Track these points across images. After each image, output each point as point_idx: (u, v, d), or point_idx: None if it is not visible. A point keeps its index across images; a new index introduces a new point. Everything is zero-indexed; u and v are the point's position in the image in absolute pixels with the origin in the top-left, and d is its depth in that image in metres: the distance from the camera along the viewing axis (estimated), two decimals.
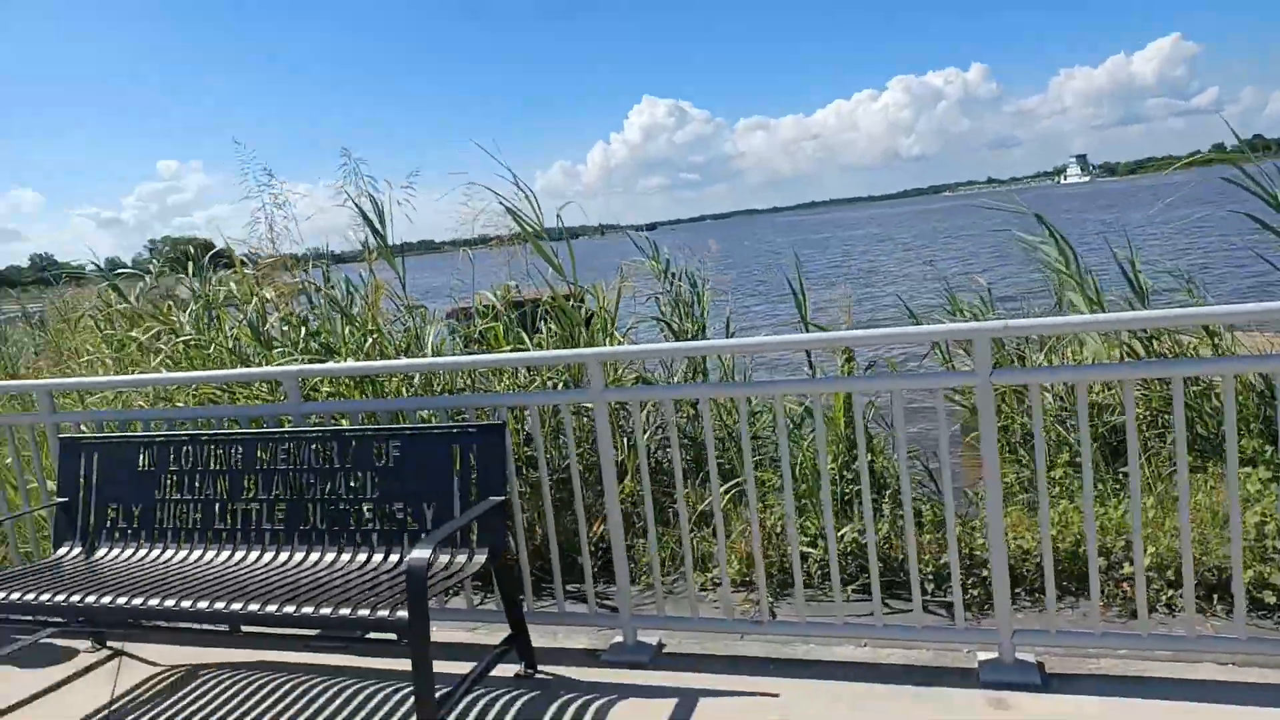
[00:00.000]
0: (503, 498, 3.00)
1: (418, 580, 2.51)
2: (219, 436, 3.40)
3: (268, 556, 3.24)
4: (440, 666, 2.58)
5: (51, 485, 3.96)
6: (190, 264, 5.75)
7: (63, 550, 3.49)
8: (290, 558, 3.20)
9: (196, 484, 3.40)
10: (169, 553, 3.36)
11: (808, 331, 4.41)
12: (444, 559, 2.99)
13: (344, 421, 3.57)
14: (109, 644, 3.66)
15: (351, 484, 3.21)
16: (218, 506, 3.36)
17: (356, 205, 4.85)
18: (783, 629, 3.14)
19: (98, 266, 6.58)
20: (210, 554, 3.31)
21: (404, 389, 4.23)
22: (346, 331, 4.57)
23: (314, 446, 3.27)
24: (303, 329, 4.57)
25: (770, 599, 3.57)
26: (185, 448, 3.43)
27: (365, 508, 3.18)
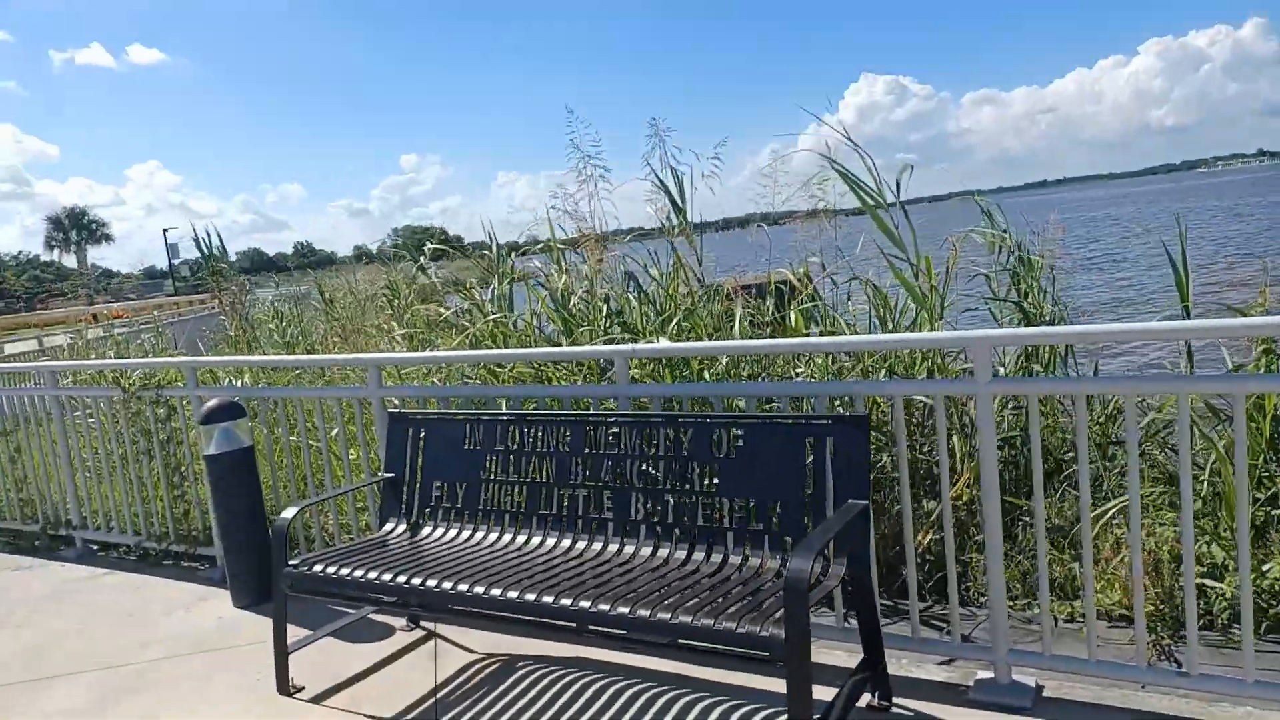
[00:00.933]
0: (865, 502, 2.60)
1: (798, 594, 2.16)
2: (546, 417, 3.25)
3: (596, 547, 3.04)
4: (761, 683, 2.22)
5: (372, 458, 4.06)
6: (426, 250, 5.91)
7: (389, 526, 3.50)
8: (621, 550, 2.98)
9: (522, 465, 3.28)
10: (493, 535, 3.26)
11: (1189, 318, 3.66)
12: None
13: (674, 406, 3.31)
14: (423, 624, 3.64)
15: (688, 475, 2.94)
16: (544, 491, 3.22)
17: (658, 179, 4.65)
18: (1212, 684, 2.52)
19: (368, 252, 6.87)
20: (536, 540, 3.17)
21: (705, 374, 3.95)
22: (642, 311, 4.37)
23: (647, 431, 3.03)
24: (604, 307, 4.43)
25: (1168, 641, 2.94)
26: (512, 428, 3.32)
27: (702, 501, 2.90)
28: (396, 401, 3.96)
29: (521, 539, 3.20)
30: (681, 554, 2.88)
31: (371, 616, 3.69)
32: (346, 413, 4.20)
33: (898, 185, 3.76)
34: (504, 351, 3.55)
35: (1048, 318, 3.91)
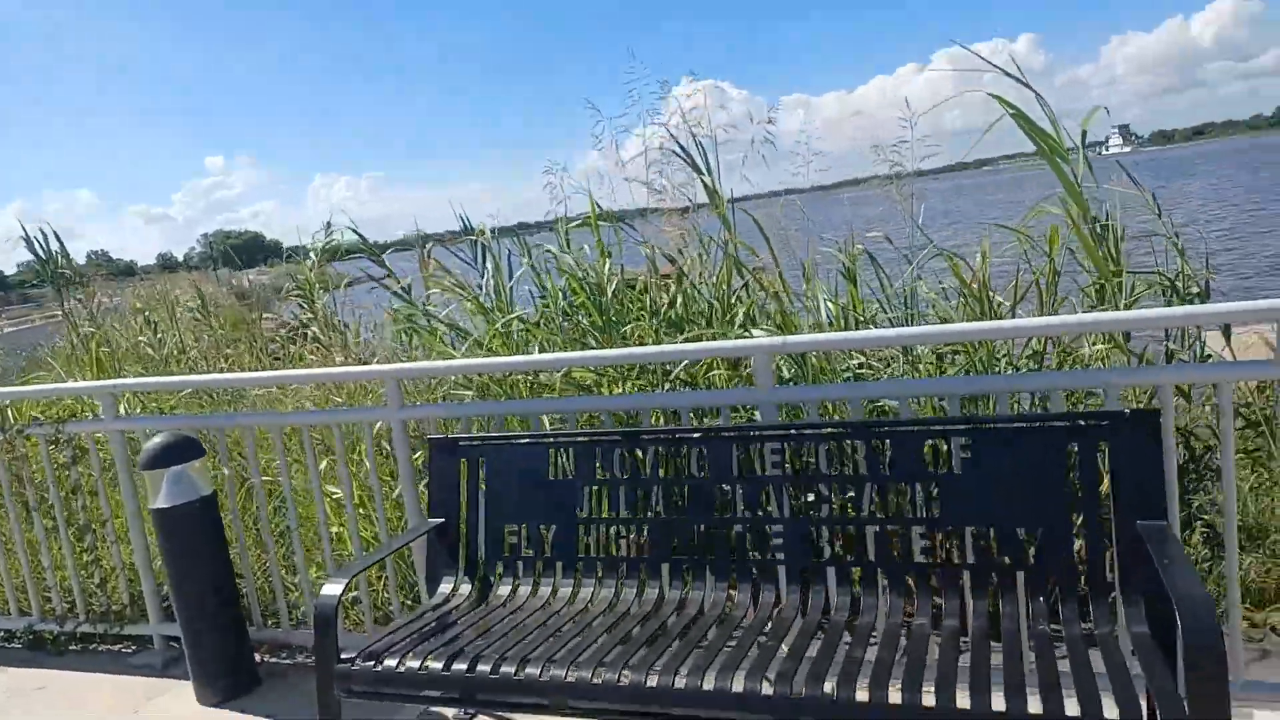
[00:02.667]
0: (1163, 523, 2.02)
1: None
2: (675, 435, 2.50)
3: (767, 597, 2.32)
4: None
5: (392, 502, 3.14)
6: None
7: (444, 588, 2.63)
8: (809, 606, 2.28)
9: (636, 499, 2.51)
10: (606, 591, 2.48)
11: None
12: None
13: (835, 413, 2.63)
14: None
15: (892, 500, 2.27)
16: (676, 529, 2.47)
17: (678, 146, 3.94)
18: None
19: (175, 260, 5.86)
20: (674, 594, 2.41)
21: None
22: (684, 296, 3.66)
23: (825, 447, 2.33)
24: (645, 299, 3.67)
25: None
26: (618, 450, 2.54)
27: (917, 533, 2.24)
28: (414, 425, 3.07)
29: (651, 593, 2.44)
30: (897, 602, 2.21)
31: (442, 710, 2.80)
32: (348, 441, 3.26)
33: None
34: (609, 352, 2.75)
35: None
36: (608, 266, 3.72)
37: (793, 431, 2.37)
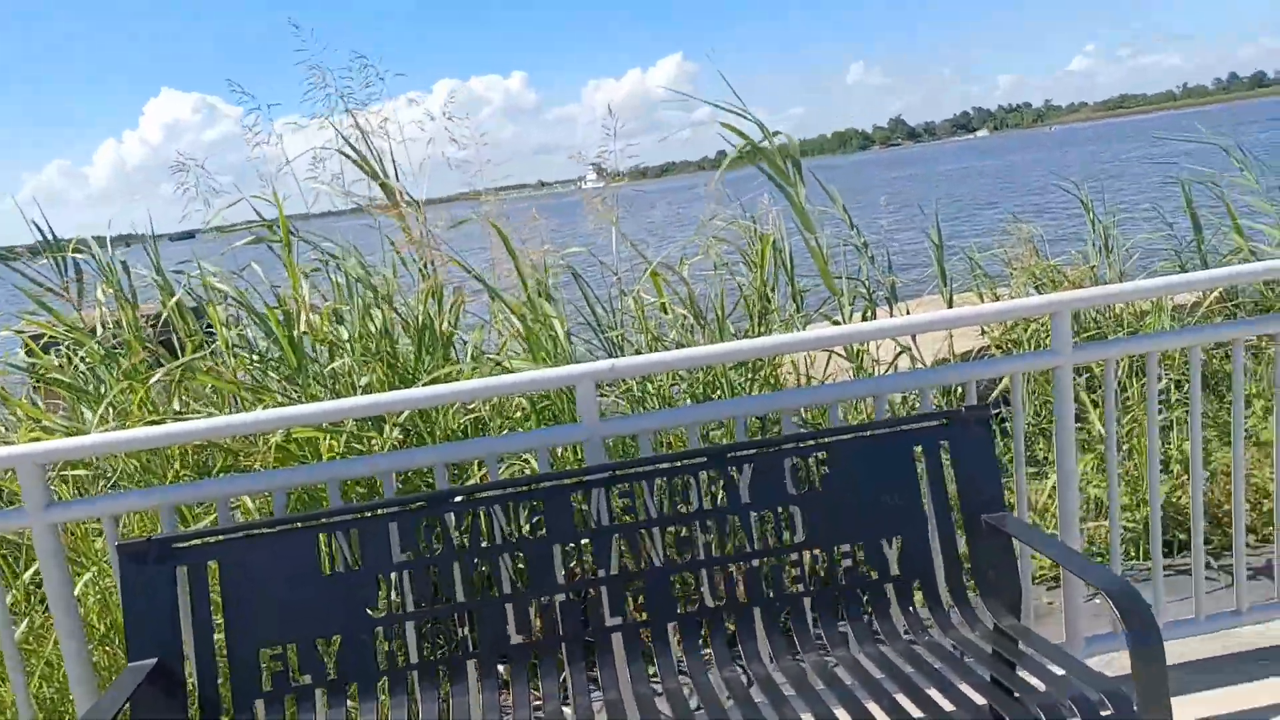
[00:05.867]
0: (1004, 511, 2.12)
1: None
2: (500, 491, 2.00)
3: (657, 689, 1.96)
4: None
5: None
6: None
7: None
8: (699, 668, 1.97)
9: (453, 577, 1.98)
10: (427, 708, 1.90)
11: None
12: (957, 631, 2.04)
13: (663, 447, 2.31)
14: None
15: (754, 530, 2.07)
16: (511, 611, 1.98)
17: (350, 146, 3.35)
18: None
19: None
20: (515, 694, 1.92)
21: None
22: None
23: (679, 481, 2.05)
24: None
25: None
26: (422, 520, 1.98)
27: (783, 560, 2.07)
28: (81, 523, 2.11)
29: (490, 696, 1.93)
30: (779, 641, 2.01)
31: None
32: None
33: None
34: (376, 398, 2.02)
35: None
36: (306, 290, 2.97)
37: (643, 469, 2.05)
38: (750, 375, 3.53)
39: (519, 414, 2.89)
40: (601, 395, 3.62)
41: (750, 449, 2.10)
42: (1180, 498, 3.13)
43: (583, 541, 2.03)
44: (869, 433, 2.15)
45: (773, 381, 3.57)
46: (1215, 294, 4.17)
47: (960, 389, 3.53)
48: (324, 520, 1.95)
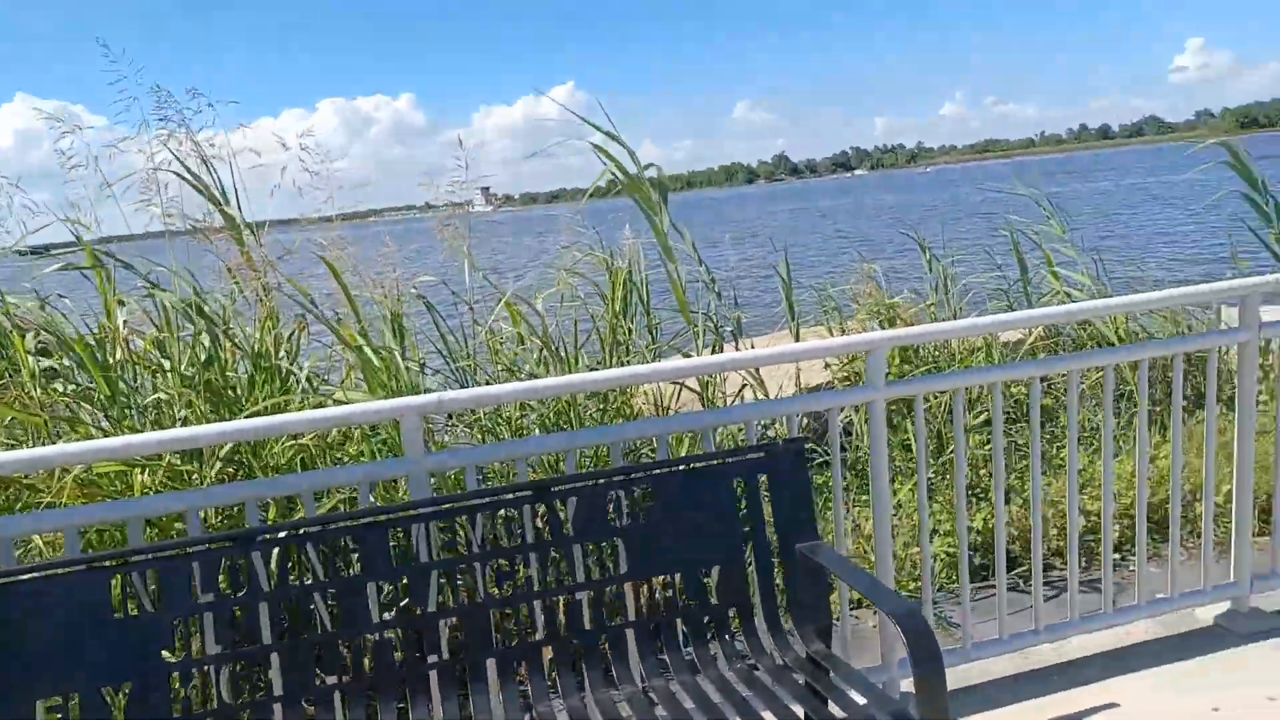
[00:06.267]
0: (818, 540, 2.21)
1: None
2: (303, 534, 1.94)
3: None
4: None
5: None
6: None
7: None
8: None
9: (260, 620, 1.90)
10: None
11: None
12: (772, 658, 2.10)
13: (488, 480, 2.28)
14: None
15: (581, 565, 2.08)
16: (321, 655, 1.92)
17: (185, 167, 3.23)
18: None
19: None
20: None
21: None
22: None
23: (500, 516, 2.05)
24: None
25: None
26: (223, 559, 1.90)
27: (605, 593, 2.09)
28: None
29: None
30: (596, 676, 2.02)
31: None
32: None
33: None
34: (187, 432, 1.91)
35: None
36: (122, 316, 2.81)
37: (468, 503, 2.03)
38: (602, 406, 3.56)
39: (352, 448, 2.82)
40: (452, 426, 3.58)
41: (576, 482, 2.12)
42: (1012, 522, 3.34)
43: (402, 580, 2.00)
44: (691, 466, 2.21)
45: (625, 412, 3.61)
46: (1039, 331, 4.48)
47: (806, 419, 3.67)
48: (117, 561, 1.85)
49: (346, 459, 2.81)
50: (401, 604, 2.03)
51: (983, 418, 3.71)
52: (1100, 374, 3.57)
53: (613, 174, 3.57)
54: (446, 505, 2.02)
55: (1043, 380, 3.82)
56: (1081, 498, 3.35)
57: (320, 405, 3.15)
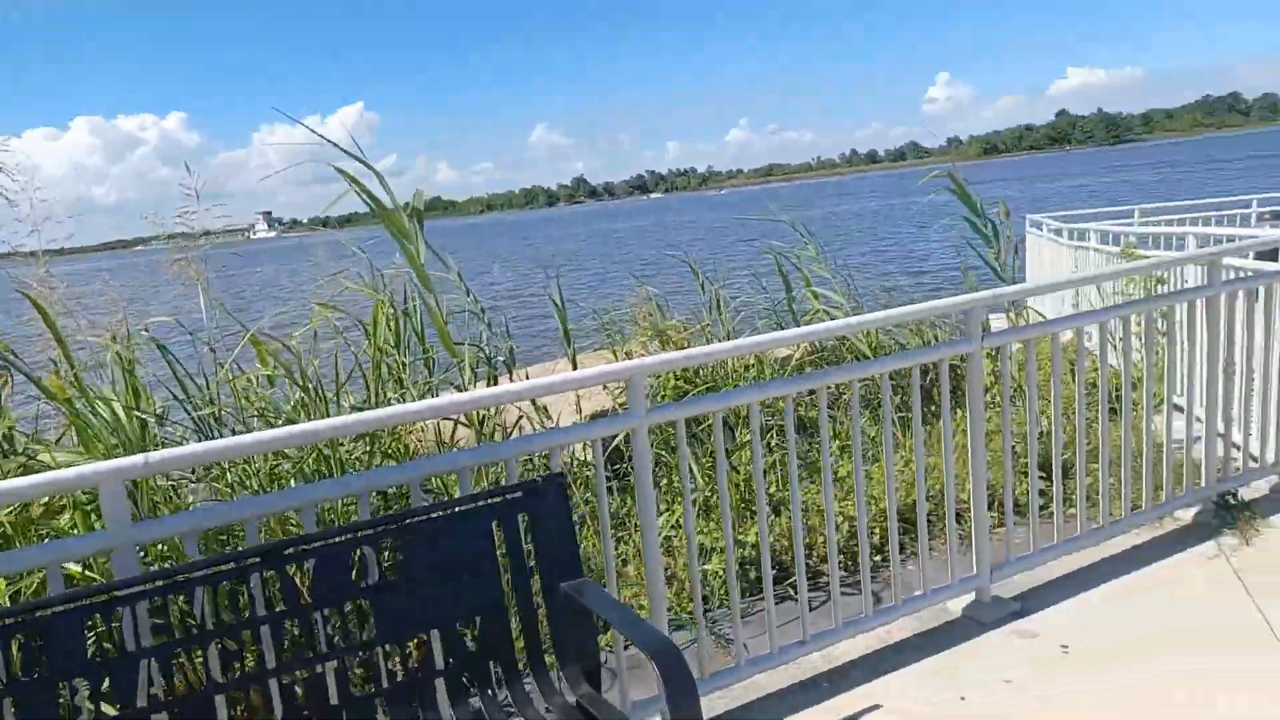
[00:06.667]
0: (582, 578, 2.14)
1: None
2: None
3: None
4: None
5: None
6: None
7: None
8: None
9: None
10: None
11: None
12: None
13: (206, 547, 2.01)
14: None
15: (325, 633, 1.89)
16: None
17: None
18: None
19: None
20: None
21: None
22: None
23: (226, 588, 1.82)
24: None
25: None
26: None
27: (352, 661, 1.91)
28: None
29: None
30: None
31: None
32: None
33: None
34: None
35: None
36: None
37: (183, 577, 1.79)
38: (369, 448, 3.35)
39: (66, 519, 2.45)
40: (197, 483, 3.23)
41: (314, 542, 1.93)
42: (783, 534, 3.45)
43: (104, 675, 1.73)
44: (448, 511, 2.08)
45: (394, 454, 3.42)
46: (805, 347, 4.72)
47: (580, 447, 3.62)
48: None
49: (55, 534, 2.44)
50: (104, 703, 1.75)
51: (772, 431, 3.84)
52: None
53: (366, 202, 3.38)
54: (158, 582, 1.78)
55: (810, 394, 4.02)
56: (847, 504, 3.52)
57: (27, 468, 2.75)
